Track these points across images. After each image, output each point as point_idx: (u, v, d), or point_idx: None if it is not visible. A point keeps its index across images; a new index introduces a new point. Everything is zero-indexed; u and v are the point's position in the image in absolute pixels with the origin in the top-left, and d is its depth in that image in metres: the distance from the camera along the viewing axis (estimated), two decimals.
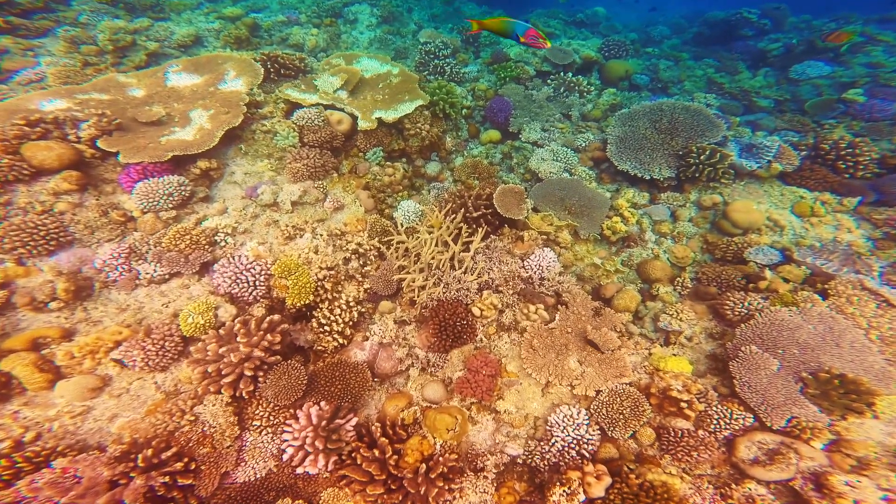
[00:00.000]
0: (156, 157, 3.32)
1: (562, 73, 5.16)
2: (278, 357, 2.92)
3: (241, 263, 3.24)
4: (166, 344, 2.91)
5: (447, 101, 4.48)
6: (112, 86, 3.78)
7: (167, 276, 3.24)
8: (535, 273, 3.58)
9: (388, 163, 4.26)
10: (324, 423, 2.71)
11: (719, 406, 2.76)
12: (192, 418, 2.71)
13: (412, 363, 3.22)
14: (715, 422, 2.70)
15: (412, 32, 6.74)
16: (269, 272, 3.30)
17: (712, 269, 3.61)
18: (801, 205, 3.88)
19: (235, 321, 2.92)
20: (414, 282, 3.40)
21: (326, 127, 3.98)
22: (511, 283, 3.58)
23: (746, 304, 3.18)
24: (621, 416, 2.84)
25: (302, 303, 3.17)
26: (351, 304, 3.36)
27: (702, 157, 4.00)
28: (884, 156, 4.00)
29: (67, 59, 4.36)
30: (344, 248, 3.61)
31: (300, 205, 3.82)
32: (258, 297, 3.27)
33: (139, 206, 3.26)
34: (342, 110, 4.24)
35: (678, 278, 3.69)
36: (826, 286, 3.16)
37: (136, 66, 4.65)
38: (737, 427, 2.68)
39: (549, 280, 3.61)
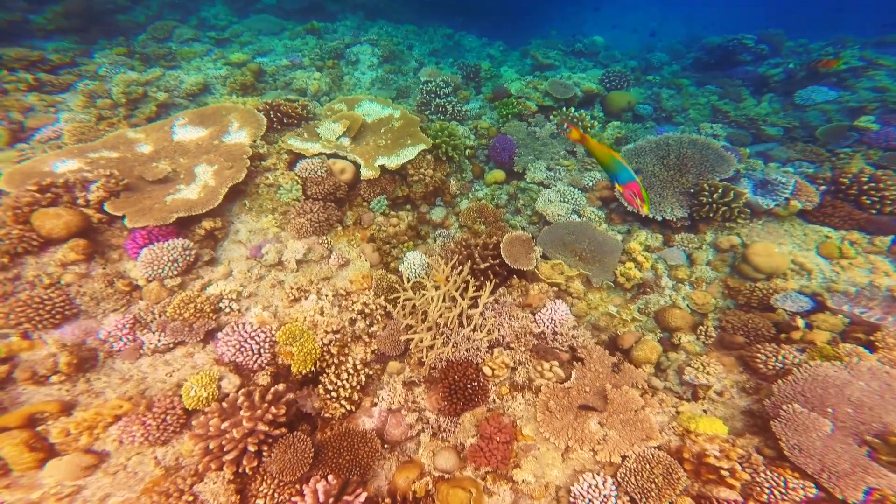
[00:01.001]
0: (160, 219, 3.30)
1: (564, 109, 5.14)
2: (283, 429, 2.82)
3: (246, 331, 3.19)
4: (168, 417, 2.84)
5: (450, 143, 4.46)
6: (121, 142, 3.82)
7: (171, 346, 3.19)
8: (547, 328, 3.48)
9: (392, 212, 4.22)
10: (331, 500, 2.58)
11: (768, 473, 2.54)
12: (191, 499, 2.59)
13: (423, 428, 3.09)
14: (767, 491, 2.45)
15: (413, 70, 6.82)
16: (273, 339, 3.24)
17: (737, 316, 3.46)
18: (828, 245, 3.73)
19: (239, 393, 2.84)
20: (422, 342, 3.30)
21: (329, 178, 3.96)
22: (523, 340, 3.47)
23: (781, 357, 3.02)
24: (654, 486, 2.65)
25: (307, 369, 3.10)
26: (358, 366, 3.27)
27: (714, 196, 3.90)
28: None
29: (84, 115, 4.48)
30: (350, 309, 3.55)
31: (305, 262, 3.77)
32: (263, 365, 3.19)
33: (144, 274, 3.23)
34: (345, 158, 4.23)
35: (700, 326, 3.55)
36: (872, 338, 2.99)
37: (147, 118, 4.72)
38: (797, 499, 2.41)
39: (562, 335, 3.49)
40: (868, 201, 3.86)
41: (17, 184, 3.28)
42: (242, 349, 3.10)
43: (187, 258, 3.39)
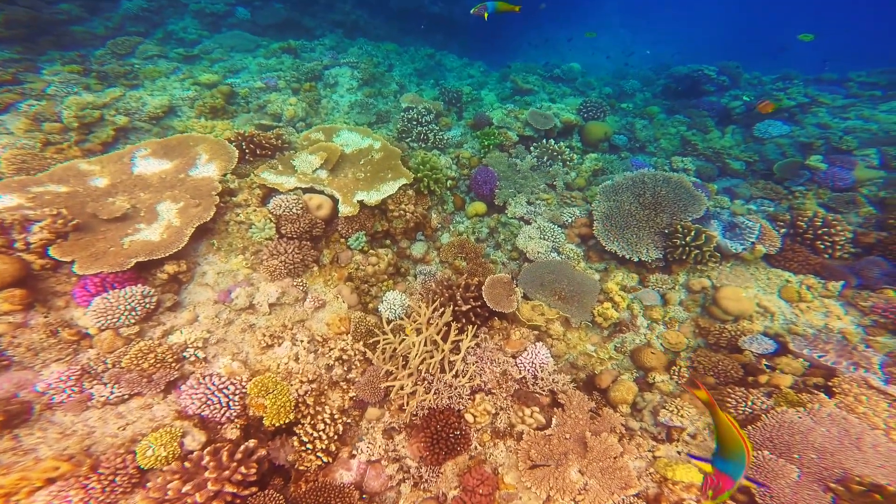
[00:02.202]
0: (117, 265, 3.04)
1: (545, 141, 5.20)
2: (254, 488, 2.64)
3: (213, 384, 2.99)
4: (117, 478, 2.57)
5: (431, 177, 4.40)
6: (72, 175, 3.50)
7: (126, 397, 2.93)
8: (528, 372, 3.47)
9: (371, 250, 4.10)
10: None
11: None
12: None
13: (403, 478, 3.01)
14: None
15: (394, 93, 6.73)
16: (244, 390, 3.05)
17: (707, 357, 3.56)
18: (788, 289, 3.92)
19: (205, 451, 2.63)
20: (403, 388, 3.21)
21: (305, 215, 3.80)
22: (504, 385, 3.45)
23: (750, 402, 3.11)
24: None
25: (281, 422, 2.94)
26: (335, 415, 3.14)
27: (688, 239, 4.02)
28: (857, 234, 4.13)
29: (26, 140, 4.04)
30: (327, 355, 3.40)
31: (278, 305, 3.59)
32: (232, 418, 2.99)
33: (96, 323, 2.95)
34: (322, 192, 4.08)
35: (674, 366, 3.63)
36: (830, 383, 3.13)
37: (103, 143, 4.37)
38: None
39: (542, 379, 3.49)
40: (822, 245, 4.10)
41: None
42: (209, 402, 2.90)
43: (147, 306, 3.14)
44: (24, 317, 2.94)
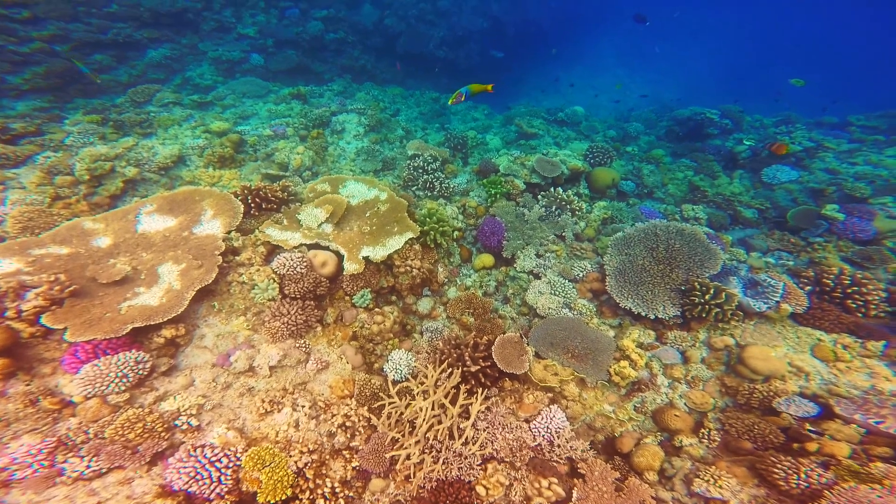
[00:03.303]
0: (112, 331, 2.91)
1: (552, 189, 5.16)
2: None
3: (205, 456, 2.78)
4: None
5: (438, 230, 4.32)
6: (75, 234, 3.44)
7: (104, 470, 2.70)
8: (543, 438, 3.25)
9: (376, 307, 3.96)
10: None
11: None
12: None
13: None
14: None
15: (400, 138, 6.82)
16: (238, 462, 2.83)
17: (740, 419, 3.32)
18: (822, 348, 3.71)
19: None
20: (409, 458, 2.99)
21: (310, 273, 3.69)
22: (518, 454, 3.21)
23: (803, 474, 2.83)
24: None
25: (278, 499, 2.71)
26: (337, 489, 2.91)
27: (707, 297, 3.86)
28: (890, 292, 3.95)
29: (36, 195, 4.05)
30: (329, 421, 3.20)
31: (280, 368, 3.42)
32: (223, 494, 2.76)
33: (82, 391, 2.79)
34: (327, 248, 4.00)
35: (702, 429, 3.38)
36: None
37: (111, 196, 4.38)
38: None
39: (560, 446, 3.27)
40: (853, 304, 3.91)
41: None
42: (198, 477, 2.68)
43: (139, 372, 2.98)
44: (2, 386, 2.77)
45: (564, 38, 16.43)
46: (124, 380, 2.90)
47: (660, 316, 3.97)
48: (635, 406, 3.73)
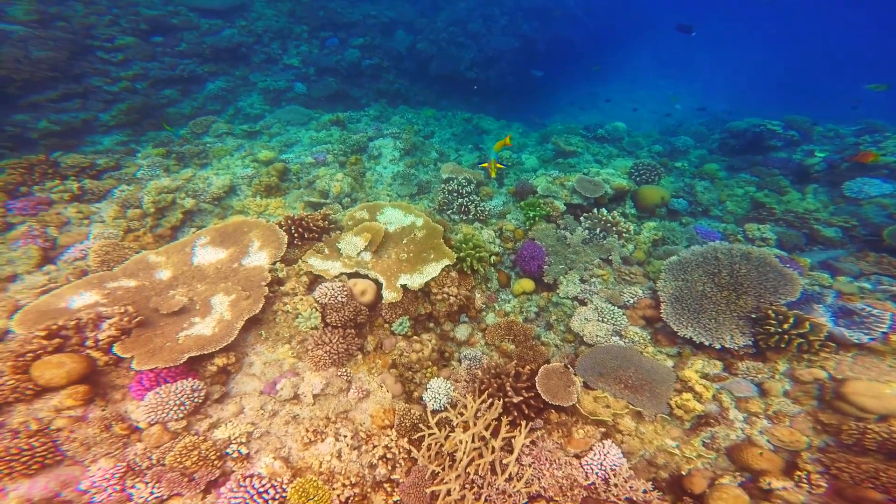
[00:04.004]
0: (171, 360, 3.07)
1: (596, 210, 4.91)
2: None
3: (253, 487, 2.83)
4: None
5: (475, 256, 4.23)
6: (141, 268, 3.72)
7: (165, 497, 2.82)
8: (597, 476, 3.01)
9: (415, 335, 3.91)
10: None
11: None
12: None
13: None
14: None
15: (434, 161, 6.88)
16: (283, 494, 2.86)
17: (853, 463, 2.89)
18: None
19: None
20: (450, 493, 2.85)
21: (350, 302, 3.72)
22: (569, 493, 2.98)
23: None
24: None
25: None
26: None
27: (785, 326, 3.44)
28: None
29: (112, 229, 4.48)
30: (370, 452, 3.16)
31: (322, 396, 3.44)
32: None
33: (146, 418, 2.96)
34: (366, 276, 4.03)
35: (798, 472, 2.95)
36: None
37: (172, 227, 4.73)
38: None
39: (618, 486, 3.00)
40: None
41: (30, 325, 3.15)
42: None
43: (195, 400, 3.12)
44: (84, 411, 2.99)
45: (598, 53, 16.09)
46: (182, 407, 3.03)
47: (727, 346, 3.58)
48: (704, 441, 3.37)
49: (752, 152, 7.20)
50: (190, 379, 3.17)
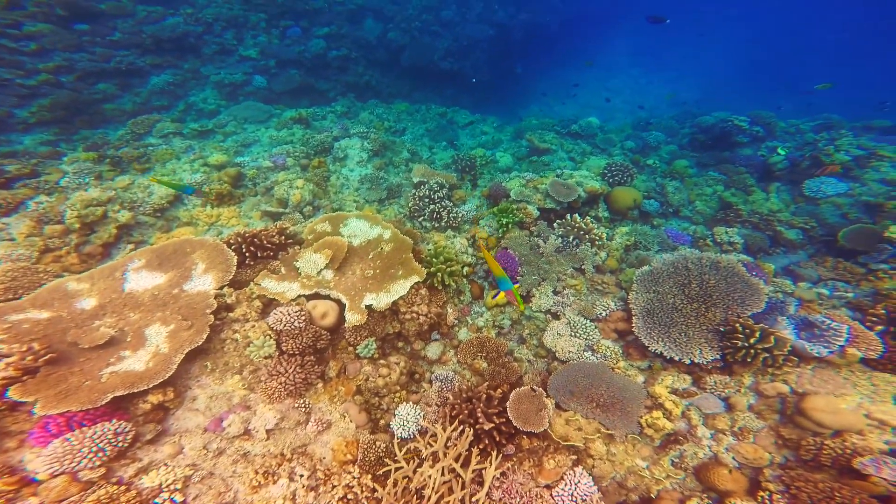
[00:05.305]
0: (88, 402, 2.67)
1: (569, 217, 4.76)
2: None
3: None
4: None
5: (445, 271, 3.99)
6: (57, 297, 3.25)
7: None
8: None
9: (382, 359, 3.66)
10: None
11: None
12: None
13: None
14: None
15: (405, 161, 6.53)
16: None
17: (811, 482, 2.89)
18: None
19: None
20: None
21: (309, 328, 3.41)
22: None
23: None
24: None
25: None
26: None
27: (752, 341, 3.41)
28: None
29: (24, 249, 3.87)
30: (330, 493, 2.91)
31: (277, 430, 3.14)
32: None
33: (47, 470, 2.52)
34: (328, 297, 3.72)
35: (761, 492, 2.96)
36: None
37: (104, 244, 4.21)
38: None
39: None
40: None
41: None
42: None
43: (119, 444, 2.71)
44: None
45: (573, 41, 15.91)
46: (99, 454, 2.62)
47: (696, 360, 3.55)
48: (672, 461, 3.35)
49: (719, 148, 7.27)
50: (114, 421, 2.77)
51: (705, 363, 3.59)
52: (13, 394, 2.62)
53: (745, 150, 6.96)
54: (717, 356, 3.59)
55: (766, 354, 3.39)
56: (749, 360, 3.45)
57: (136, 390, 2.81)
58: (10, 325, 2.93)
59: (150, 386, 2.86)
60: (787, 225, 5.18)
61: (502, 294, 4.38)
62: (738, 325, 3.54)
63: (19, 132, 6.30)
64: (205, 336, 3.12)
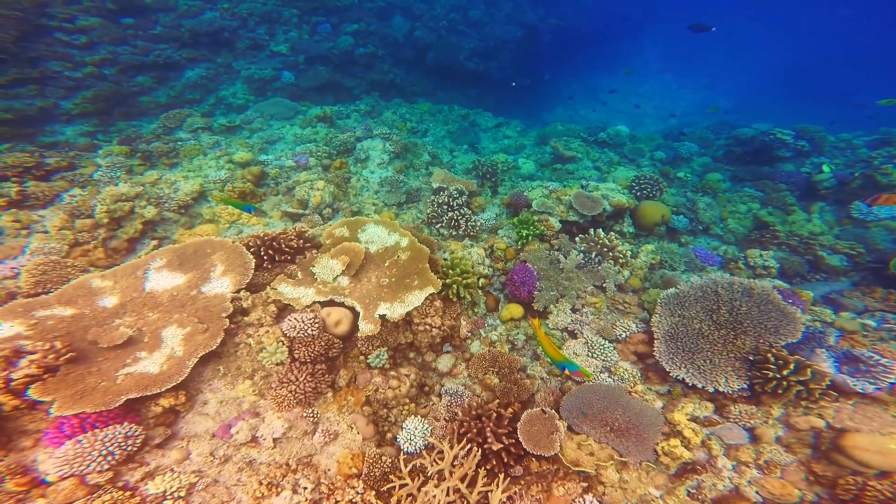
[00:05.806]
0: (102, 404, 2.71)
1: (592, 232, 4.57)
2: None
3: None
4: None
5: (461, 283, 3.90)
6: (81, 294, 3.34)
7: None
8: None
9: (392, 369, 3.61)
10: None
11: None
12: None
13: None
14: None
15: (425, 164, 6.46)
16: None
17: None
18: None
19: None
20: None
21: (321, 336, 3.39)
22: None
23: None
24: None
25: None
26: None
27: (784, 373, 3.18)
28: None
29: (56, 242, 4.00)
30: None
31: (284, 439, 3.14)
32: None
33: (57, 471, 2.57)
34: (342, 304, 3.69)
35: None
36: None
37: (130, 239, 4.32)
38: None
39: None
40: None
41: None
42: None
43: (128, 448, 2.74)
44: None
45: (604, 44, 15.41)
46: (109, 457, 2.65)
47: (721, 389, 3.34)
48: (689, 491, 3.17)
49: (758, 162, 6.86)
50: (125, 424, 2.80)
51: (731, 392, 3.38)
52: (33, 393, 2.68)
53: (787, 165, 6.54)
54: (745, 385, 3.37)
55: (801, 387, 3.15)
56: (780, 391, 3.22)
57: (148, 393, 2.85)
58: (36, 321, 3.02)
59: (163, 389, 2.89)
60: (830, 249, 4.81)
61: (518, 308, 4.26)
62: (769, 354, 3.30)
63: (62, 123, 6.55)
64: (219, 341, 3.14)
